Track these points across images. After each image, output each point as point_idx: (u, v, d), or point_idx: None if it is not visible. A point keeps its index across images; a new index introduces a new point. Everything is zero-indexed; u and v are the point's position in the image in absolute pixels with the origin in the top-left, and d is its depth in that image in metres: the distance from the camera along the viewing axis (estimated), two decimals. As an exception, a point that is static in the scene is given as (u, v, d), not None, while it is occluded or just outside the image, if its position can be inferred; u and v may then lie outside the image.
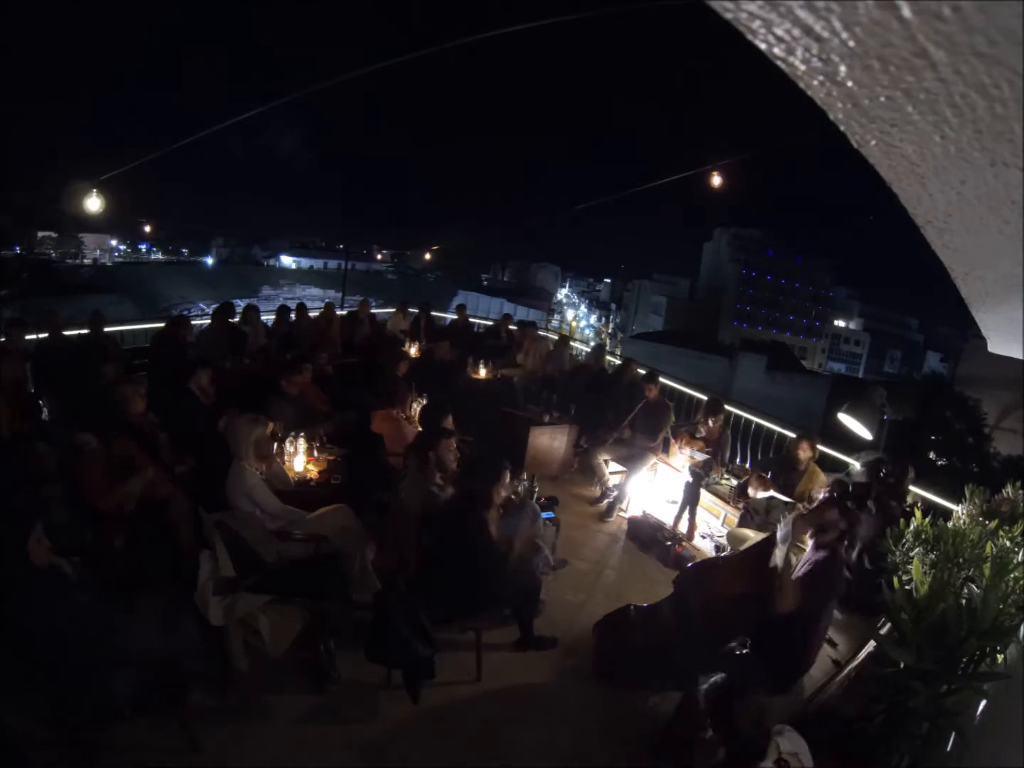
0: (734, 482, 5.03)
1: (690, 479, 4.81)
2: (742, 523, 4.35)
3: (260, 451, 3.36)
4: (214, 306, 6.73)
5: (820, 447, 4.97)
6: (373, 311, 8.52)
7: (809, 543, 2.72)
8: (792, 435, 5.13)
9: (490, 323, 8.85)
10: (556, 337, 8.04)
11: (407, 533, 3.20)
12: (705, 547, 4.76)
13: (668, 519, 4.91)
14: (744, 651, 2.63)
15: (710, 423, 5.03)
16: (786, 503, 4.19)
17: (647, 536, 4.60)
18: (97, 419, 3.34)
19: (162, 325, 5.92)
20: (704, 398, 6.04)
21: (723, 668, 2.55)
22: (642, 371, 6.05)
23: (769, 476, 4.50)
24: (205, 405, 4.24)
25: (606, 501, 5.20)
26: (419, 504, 3.24)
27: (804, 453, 4.35)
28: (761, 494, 4.35)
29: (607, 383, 6.19)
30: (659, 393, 5.51)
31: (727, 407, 5.77)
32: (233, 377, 5.27)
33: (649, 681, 2.90)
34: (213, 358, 5.38)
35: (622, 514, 5.09)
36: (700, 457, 4.91)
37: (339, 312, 8.34)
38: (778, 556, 2.60)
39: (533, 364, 6.97)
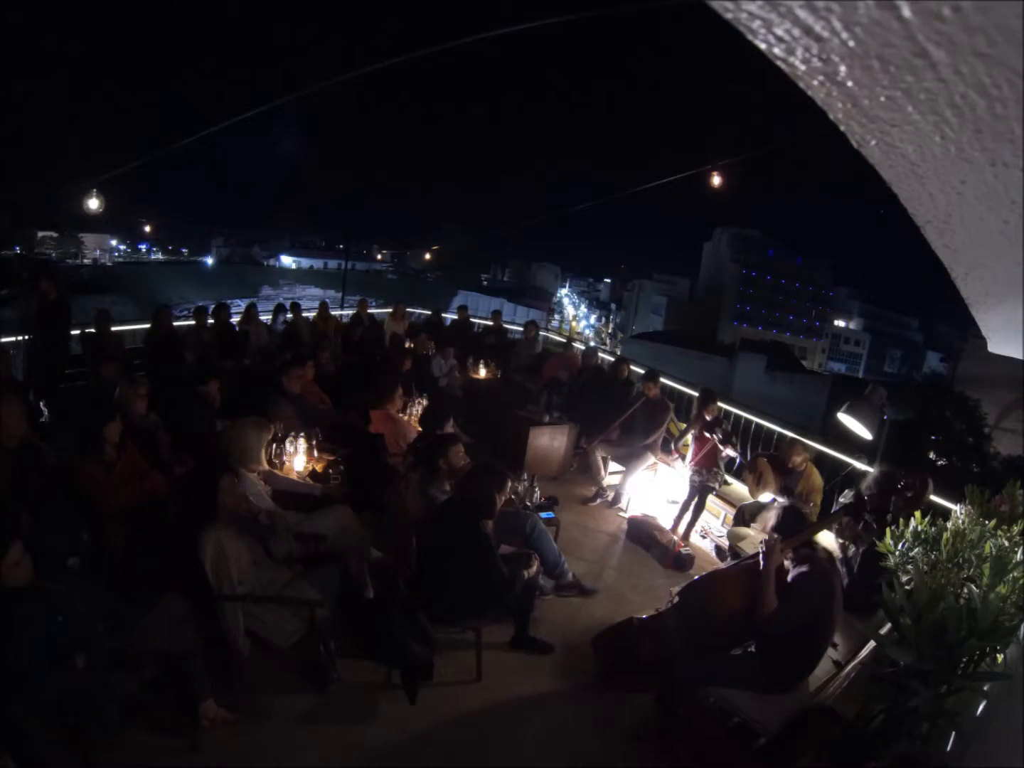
0: (735, 483, 5.04)
1: (695, 485, 4.79)
2: (737, 522, 4.36)
3: (264, 456, 3.40)
4: (212, 306, 6.74)
5: (819, 446, 4.97)
6: (372, 311, 8.53)
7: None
8: (791, 435, 5.13)
9: (491, 323, 8.84)
10: (564, 341, 8.04)
11: (406, 533, 3.20)
12: (705, 546, 4.76)
13: (668, 519, 4.90)
14: (743, 651, 2.62)
15: (706, 417, 4.97)
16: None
17: (647, 536, 4.60)
18: (98, 420, 3.34)
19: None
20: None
21: (721, 668, 2.55)
22: (639, 369, 6.04)
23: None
24: (211, 408, 4.24)
25: (599, 500, 5.22)
26: (420, 507, 3.23)
27: (798, 457, 4.34)
28: (764, 496, 4.34)
29: (604, 383, 6.19)
30: (659, 392, 5.49)
31: (727, 407, 5.78)
32: (234, 377, 5.28)
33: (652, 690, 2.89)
34: (208, 358, 5.41)
35: (622, 514, 5.09)
36: (731, 453, 4.86)
37: (340, 312, 8.36)
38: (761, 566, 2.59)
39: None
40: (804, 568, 2.52)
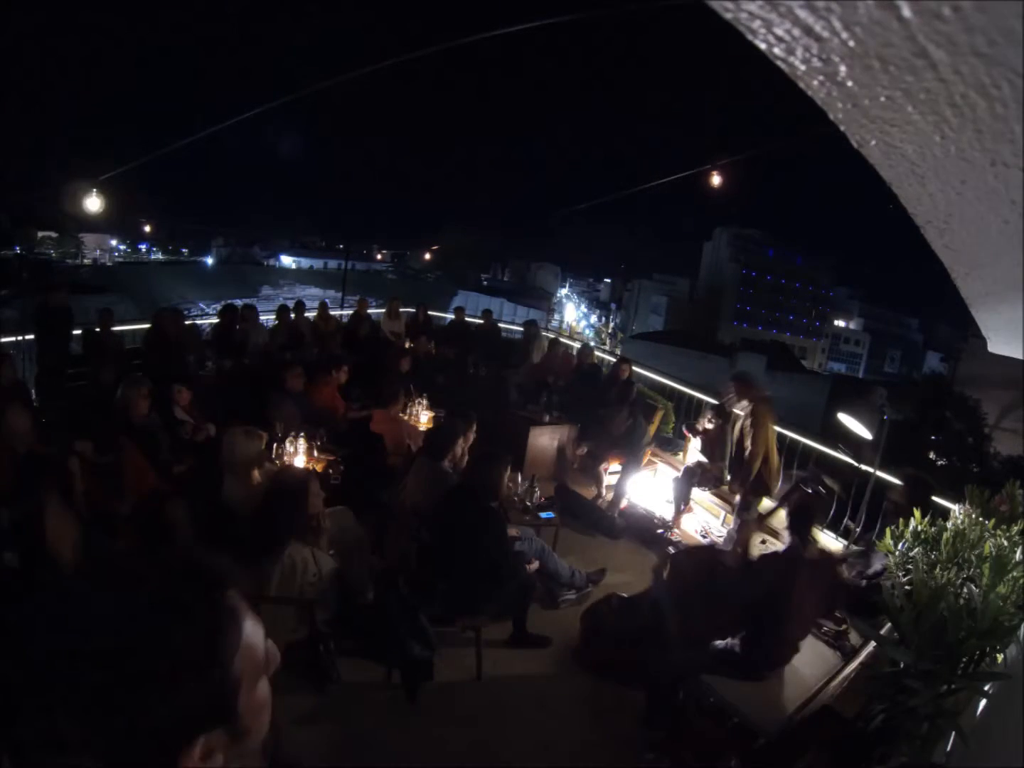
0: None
1: (679, 476, 4.87)
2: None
3: (256, 464, 3.33)
4: (214, 306, 6.75)
5: (819, 446, 4.98)
6: (371, 311, 8.49)
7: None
8: (791, 434, 5.11)
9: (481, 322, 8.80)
10: (551, 337, 8.02)
11: (407, 533, 3.21)
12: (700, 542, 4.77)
13: (667, 516, 4.93)
14: (728, 642, 2.66)
15: (708, 423, 5.04)
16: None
17: (645, 532, 4.63)
18: (98, 421, 3.34)
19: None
20: (705, 398, 6.05)
21: (699, 658, 2.59)
22: (639, 370, 6.09)
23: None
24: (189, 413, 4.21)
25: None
26: (427, 487, 3.28)
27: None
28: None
29: (603, 382, 6.17)
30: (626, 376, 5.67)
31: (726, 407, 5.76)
32: (234, 377, 5.27)
33: (620, 671, 2.96)
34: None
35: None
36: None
37: (339, 312, 8.32)
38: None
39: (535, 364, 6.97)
40: (774, 550, 2.65)
